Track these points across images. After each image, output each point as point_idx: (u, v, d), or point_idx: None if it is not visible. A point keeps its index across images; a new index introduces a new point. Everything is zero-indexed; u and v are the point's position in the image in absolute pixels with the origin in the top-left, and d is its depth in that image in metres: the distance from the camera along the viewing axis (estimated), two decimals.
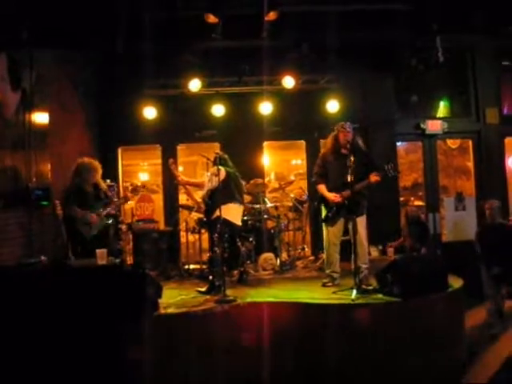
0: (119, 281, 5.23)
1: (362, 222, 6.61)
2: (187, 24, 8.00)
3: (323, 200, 6.80)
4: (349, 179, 6.29)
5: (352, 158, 6.30)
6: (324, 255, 7.05)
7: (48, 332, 4.84)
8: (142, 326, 5.05)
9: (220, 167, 6.88)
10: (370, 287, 6.17)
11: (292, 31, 8.20)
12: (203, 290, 6.53)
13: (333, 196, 6.62)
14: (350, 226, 6.47)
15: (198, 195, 7.33)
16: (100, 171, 6.86)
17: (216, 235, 6.71)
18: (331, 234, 6.75)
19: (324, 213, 6.79)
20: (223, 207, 6.58)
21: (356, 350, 5.42)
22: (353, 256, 6.30)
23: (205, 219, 7.48)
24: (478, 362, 5.89)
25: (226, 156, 7.26)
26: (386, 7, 8.06)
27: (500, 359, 5.79)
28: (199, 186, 7.28)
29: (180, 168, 10.52)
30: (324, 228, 6.86)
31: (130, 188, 7.83)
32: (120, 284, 5.18)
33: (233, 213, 6.95)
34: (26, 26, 6.42)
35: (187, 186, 7.64)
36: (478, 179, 10.65)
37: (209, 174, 6.96)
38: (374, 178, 6.46)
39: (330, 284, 6.73)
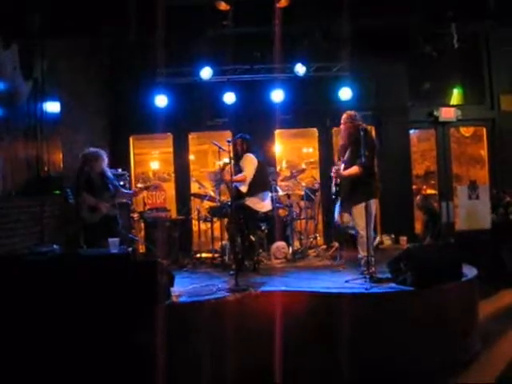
0: (131, 270, 5.22)
1: (356, 210, 6.44)
2: (199, 11, 7.94)
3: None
4: (336, 167, 6.63)
5: (349, 149, 6.54)
6: None
7: (60, 321, 4.84)
8: (154, 314, 5.04)
9: (250, 155, 6.98)
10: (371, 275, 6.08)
11: (304, 18, 8.12)
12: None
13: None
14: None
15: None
16: (105, 160, 6.81)
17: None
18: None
19: None
20: (255, 197, 6.82)
21: (369, 339, 5.39)
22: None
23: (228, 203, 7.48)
24: (489, 353, 5.85)
25: (248, 137, 7.33)
26: None
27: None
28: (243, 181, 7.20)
29: (191, 157, 10.54)
30: None
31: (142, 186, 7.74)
32: (132, 273, 5.16)
33: (261, 201, 7.07)
34: (37, 14, 6.41)
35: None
36: (491, 167, 10.55)
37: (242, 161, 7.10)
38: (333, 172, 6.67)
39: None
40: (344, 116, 6.77)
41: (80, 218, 6.49)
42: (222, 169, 7.39)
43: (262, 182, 7.19)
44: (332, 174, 6.65)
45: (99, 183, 6.69)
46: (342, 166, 6.63)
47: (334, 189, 6.71)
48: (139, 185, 7.37)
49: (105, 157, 6.80)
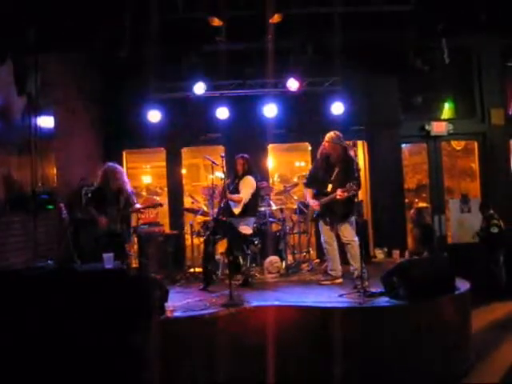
0: (125, 285, 5.23)
1: (345, 228, 6.78)
2: (191, 27, 8.00)
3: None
4: (329, 189, 6.70)
5: (337, 169, 6.68)
6: None
7: (57, 336, 4.83)
8: (149, 329, 5.04)
9: (251, 178, 6.98)
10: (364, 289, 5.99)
11: (296, 33, 8.21)
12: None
13: (312, 203, 6.96)
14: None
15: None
16: (124, 175, 7.09)
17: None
18: (323, 231, 7.02)
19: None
20: (243, 222, 6.92)
21: (362, 353, 5.39)
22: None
23: (216, 217, 7.41)
24: (484, 366, 5.87)
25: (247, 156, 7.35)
26: (391, 8, 8.02)
27: (506, 363, 5.79)
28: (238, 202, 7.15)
29: (183, 171, 10.55)
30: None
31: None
32: (126, 288, 5.17)
33: (247, 226, 7.06)
34: (31, 30, 6.45)
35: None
36: (482, 181, 10.61)
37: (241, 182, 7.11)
38: (339, 194, 6.47)
39: (326, 282, 6.96)
40: (332, 135, 6.82)
41: (87, 231, 6.60)
42: (224, 184, 7.36)
43: (254, 207, 7.20)
44: (338, 196, 6.51)
45: (110, 197, 6.85)
46: (330, 186, 6.74)
47: (316, 208, 6.89)
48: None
49: (123, 172, 7.13)
